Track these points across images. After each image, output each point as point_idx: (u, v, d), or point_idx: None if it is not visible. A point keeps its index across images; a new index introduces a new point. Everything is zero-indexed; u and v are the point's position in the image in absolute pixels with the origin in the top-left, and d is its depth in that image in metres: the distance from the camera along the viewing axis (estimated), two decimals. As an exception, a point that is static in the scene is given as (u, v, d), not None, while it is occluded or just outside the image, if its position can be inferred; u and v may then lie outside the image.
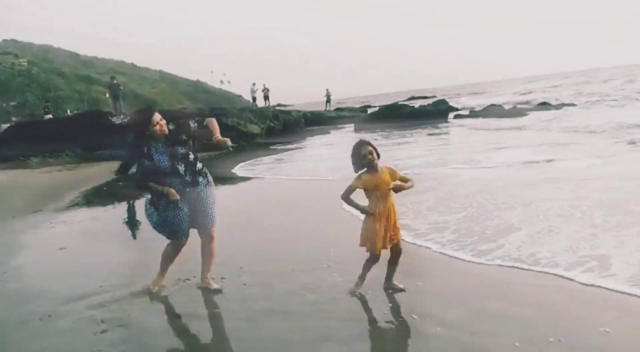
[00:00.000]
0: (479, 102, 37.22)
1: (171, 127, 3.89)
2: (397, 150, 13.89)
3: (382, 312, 3.46)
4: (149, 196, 3.95)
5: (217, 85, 39.96)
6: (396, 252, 3.73)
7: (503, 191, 7.12)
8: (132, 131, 3.92)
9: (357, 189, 3.63)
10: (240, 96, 40.34)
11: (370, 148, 3.60)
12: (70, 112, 23.41)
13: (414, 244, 4.99)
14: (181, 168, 3.85)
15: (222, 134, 3.97)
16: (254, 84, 31.42)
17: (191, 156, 3.94)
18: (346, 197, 3.62)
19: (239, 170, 12.72)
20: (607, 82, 45.41)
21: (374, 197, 3.60)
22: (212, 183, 4.11)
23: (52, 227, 7.27)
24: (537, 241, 4.73)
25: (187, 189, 3.89)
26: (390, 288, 3.80)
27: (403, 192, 3.65)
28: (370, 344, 3.06)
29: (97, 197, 10.32)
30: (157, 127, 3.78)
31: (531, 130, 16.55)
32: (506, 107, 28.59)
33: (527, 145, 12.36)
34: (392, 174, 3.66)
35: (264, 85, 32.24)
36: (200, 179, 3.97)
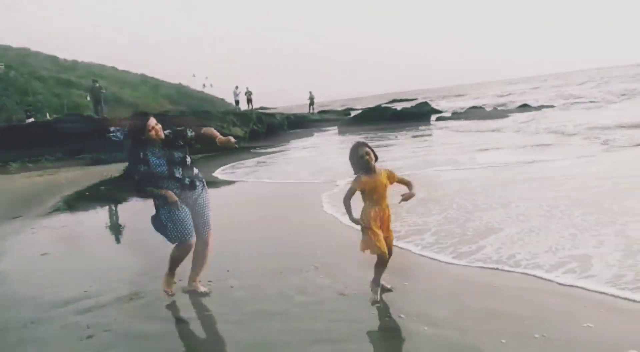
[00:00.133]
0: (460, 105, 37.74)
1: (167, 132, 3.88)
2: (381, 153, 13.86)
3: (370, 312, 3.49)
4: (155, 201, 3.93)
5: (199, 88, 39.71)
6: (389, 254, 3.70)
7: (483, 191, 7.21)
8: (129, 137, 3.90)
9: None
10: (223, 99, 40.02)
11: (367, 149, 3.60)
12: (50, 116, 22.97)
13: (394, 246, 5.01)
14: (178, 172, 3.85)
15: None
16: (237, 87, 31.29)
17: (188, 160, 3.94)
18: (346, 200, 3.61)
19: (220, 173, 12.67)
20: (585, 84, 46.41)
21: (371, 198, 3.60)
22: (207, 188, 4.11)
23: (34, 233, 7.15)
24: (517, 241, 4.76)
25: (186, 193, 3.88)
26: (378, 288, 3.82)
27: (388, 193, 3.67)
28: (360, 344, 3.07)
29: (79, 201, 10.18)
30: (153, 132, 3.77)
31: (511, 132, 16.82)
32: (487, 109, 29.04)
33: (507, 147, 12.57)
34: (391, 176, 3.65)
35: (247, 88, 32.15)
36: (197, 183, 3.97)
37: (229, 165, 14.31)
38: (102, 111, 21.37)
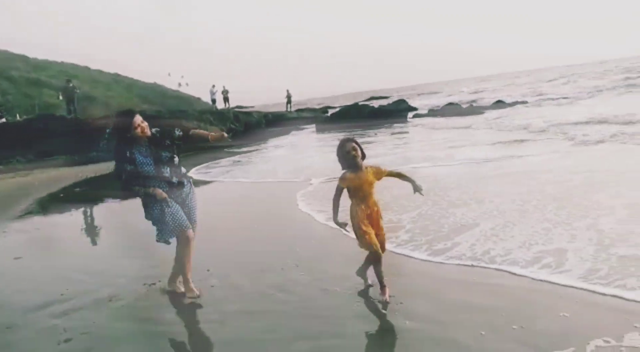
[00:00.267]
0: (435, 102, 38.20)
1: (154, 131, 3.83)
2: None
3: (351, 308, 3.52)
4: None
5: (175, 87, 39.06)
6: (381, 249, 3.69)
7: (457, 187, 7.30)
8: (115, 136, 3.83)
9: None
10: (199, 98, 39.56)
11: (354, 144, 3.59)
12: (20, 117, 22.37)
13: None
14: (167, 171, 3.80)
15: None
16: (213, 85, 31.01)
17: (176, 160, 3.90)
18: (334, 200, 3.61)
19: (194, 173, 12.54)
20: (556, 80, 47.48)
21: (357, 196, 3.59)
22: (194, 188, 4.08)
23: (6, 237, 6.99)
24: (491, 237, 4.80)
25: (174, 192, 3.83)
26: (361, 277, 3.85)
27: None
28: (342, 340, 3.09)
29: (53, 204, 9.97)
30: (139, 129, 3.71)
31: (487, 128, 17.09)
32: (463, 105, 29.46)
33: (482, 143, 12.77)
34: (378, 172, 3.64)
35: (224, 86, 31.90)
36: (185, 182, 3.94)
37: (203, 165, 14.20)
38: (75, 111, 20.97)
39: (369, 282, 3.85)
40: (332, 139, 19.05)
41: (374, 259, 3.59)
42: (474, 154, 10.74)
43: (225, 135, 3.89)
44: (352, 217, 3.62)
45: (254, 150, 17.92)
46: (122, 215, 8.13)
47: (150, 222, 3.88)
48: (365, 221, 3.56)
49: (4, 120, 20.67)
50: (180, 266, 3.94)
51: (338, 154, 3.64)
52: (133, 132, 3.71)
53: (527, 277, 3.81)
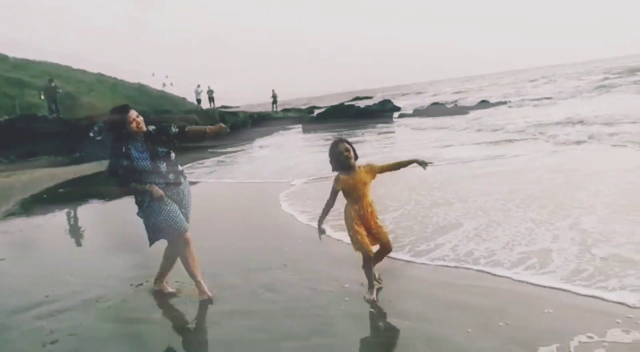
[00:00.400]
0: (420, 102, 38.45)
1: (151, 128, 3.80)
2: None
3: (340, 307, 3.55)
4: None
5: (159, 87, 38.72)
6: (385, 248, 3.72)
7: (441, 187, 7.34)
8: (109, 132, 3.79)
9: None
10: (184, 98, 39.28)
11: (346, 145, 3.58)
12: (1, 117, 21.98)
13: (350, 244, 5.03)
14: (163, 167, 3.76)
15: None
16: (198, 85, 30.87)
17: (172, 156, 3.86)
18: (328, 202, 3.62)
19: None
20: (536, 80, 48.12)
21: (351, 197, 3.60)
22: (189, 186, 4.05)
23: (-12, 238, 6.89)
24: (474, 238, 4.80)
25: (171, 189, 3.78)
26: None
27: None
28: (332, 339, 3.12)
29: (36, 205, 9.83)
30: (134, 124, 3.67)
31: (471, 128, 17.25)
32: (448, 106, 29.71)
33: (467, 143, 12.90)
34: (371, 170, 3.64)
35: (209, 86, 31.77)
36: (182, 179, 3.90)
37: (187, 165, 14.10)
38: (58, 111, 20.69)
39: (377, 275, 3.82)
40: (318, 139, 19.09)
41: (364, 259, 3.59)
42: (459, 154, 10.83)
43: (224, 126, 3.87)
44: (346, 218, 3.64)
45: (239, 151, 17.86)
46: (107, 216, 8.04)
47: (141, 220, 3.83)
48: (358, 221, 3.58)
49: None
50: (187, 270, 3.88)
51: (330, 156, 3.62)
52: (128, 128, 3.66)
53: (511, 278, 3.82)
